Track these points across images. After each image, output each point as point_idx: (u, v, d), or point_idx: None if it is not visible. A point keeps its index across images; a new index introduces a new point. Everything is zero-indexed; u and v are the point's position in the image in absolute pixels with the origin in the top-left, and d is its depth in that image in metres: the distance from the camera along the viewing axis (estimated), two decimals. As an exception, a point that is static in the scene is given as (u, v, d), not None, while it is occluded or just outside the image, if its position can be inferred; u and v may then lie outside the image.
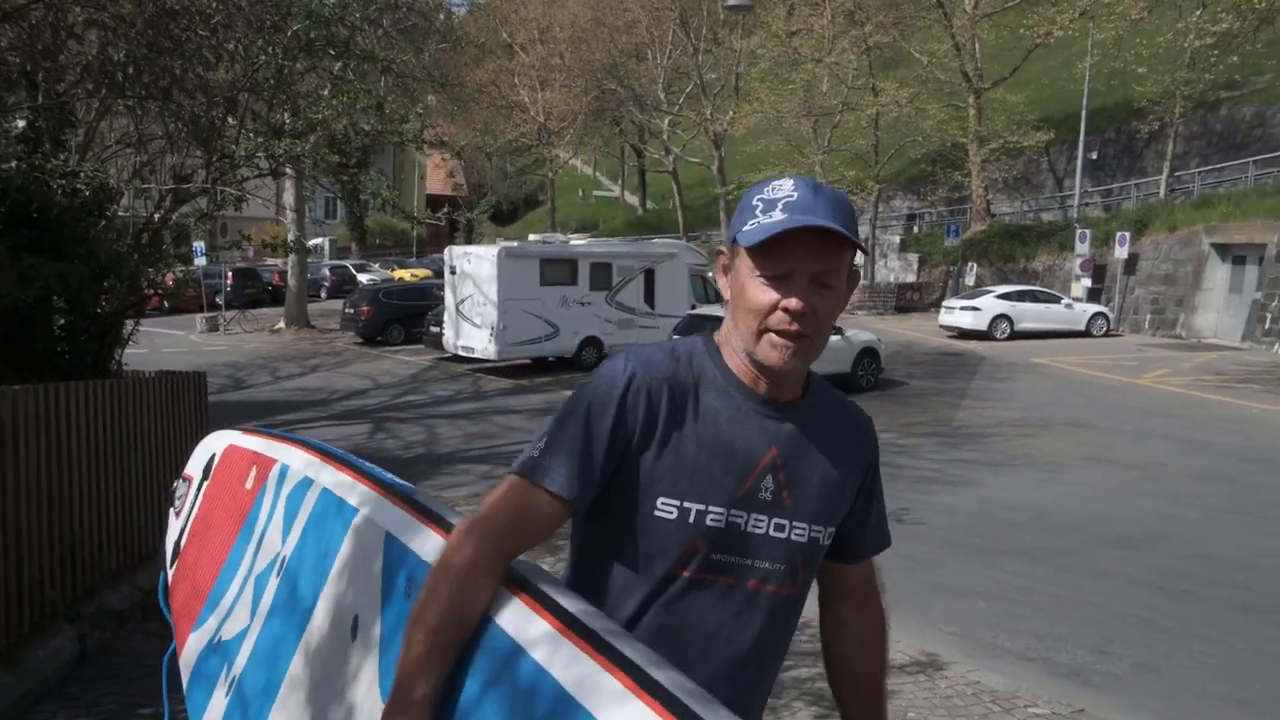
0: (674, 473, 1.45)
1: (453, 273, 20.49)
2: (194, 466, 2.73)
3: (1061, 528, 8.67)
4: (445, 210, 34.55)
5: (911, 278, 34.21)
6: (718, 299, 21.44)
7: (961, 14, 31.27)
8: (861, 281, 33.38)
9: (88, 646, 4.49)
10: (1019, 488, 10.41)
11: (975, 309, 25.22)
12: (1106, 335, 25.58)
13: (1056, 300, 25.93)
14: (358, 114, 7.54)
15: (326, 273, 39.09)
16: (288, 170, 8.30)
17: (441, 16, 21.02)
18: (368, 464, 2.08)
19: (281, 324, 27.32)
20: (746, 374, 1.51)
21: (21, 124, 5.43)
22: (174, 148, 6.55)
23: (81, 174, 5.38)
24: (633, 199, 58.06)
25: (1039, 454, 12.23)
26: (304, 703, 1.78)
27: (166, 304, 20.91)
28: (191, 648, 2.35)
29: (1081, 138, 30.73)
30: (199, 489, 2.69)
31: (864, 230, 35.70)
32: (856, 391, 17.51)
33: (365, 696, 1.59)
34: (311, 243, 33.92)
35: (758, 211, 1.43)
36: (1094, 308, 26.10)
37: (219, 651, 2.21)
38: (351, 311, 25.09)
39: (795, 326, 1.42)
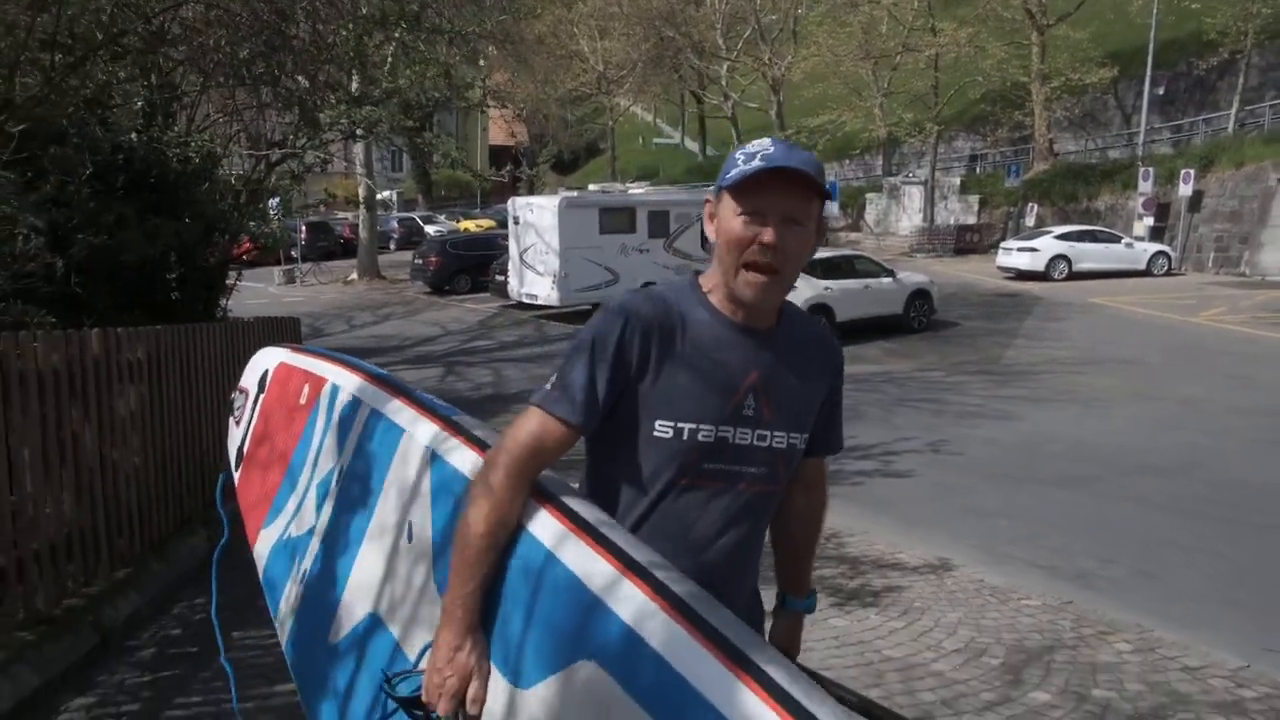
0: (668, 398, 1.69)
1: (516, 223, 21.19)
2: (249, 379, 2.93)
3: (1096, 458, 9.02)
4: (507, 168, 35.18)
5: (972, 219, 33.96)
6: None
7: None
8: (921, 223, 33.48)
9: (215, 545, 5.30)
10: (1060, 422, 10.74)
11: (1033, 250, 25.18)
12: (1168, 274, 25.34)
13: (1117, 240, 25.72)
14: (427, 81, 8.19)
15: (395, 225, 40.01)
16: (370, 135, 9.01)
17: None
18: (407, 384, 2.27)
19: (354, 275, 28.38)
20: (727, 308, 1.73)
21: (140, 102, 6.20)
22: (264, 116, 7.29)
23: (192, 144, 6.15)
24: (693, 145, 57.93)
25: (1084, 390, 12.53)
26: (367, 593, 1.98)
27: (245, 257, 21.96)
28: (263, 543, 2.56)
29: (1148, 73, 30.01)
30: (255, 401, 2.88)
31: (923, 173, 35.45)
32: (909, 332, 17.91)
33: (423, 591, 1.82)
34: (380, 196, 34.94)
35: (740, 162, 1.66)
36: (1155, 246, 25.83)
37: (289, 547, 2.41)
38: (420, 262, 26.02)
39: (768, 258, 1.65)
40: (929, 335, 17.86)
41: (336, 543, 2.16)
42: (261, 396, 2.83)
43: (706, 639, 1.34)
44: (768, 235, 1.63)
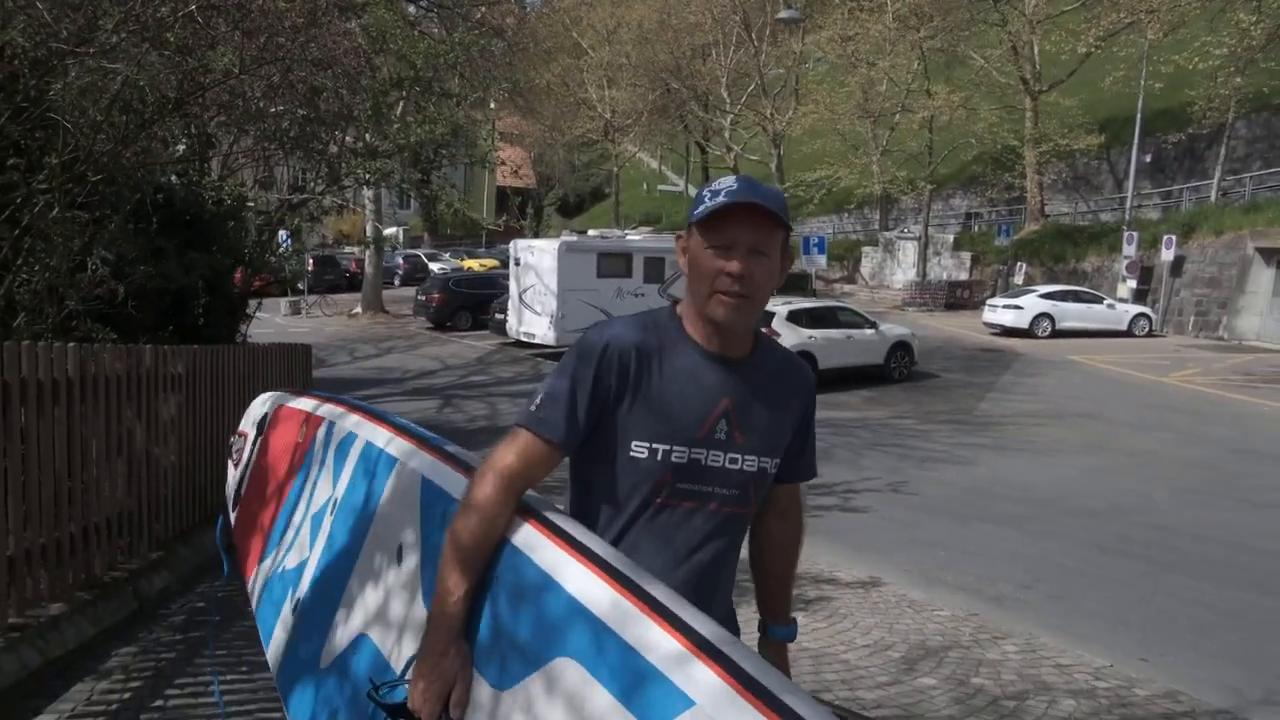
0: (644, 420, 1.77)
1: (517, 264, 22.09)
2: (247, 423, 3.04)
3: (1038, 500, 9.73)
4: (503, 218, 36.29)
5: (964, 276, 34.93)
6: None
7: (1019, 18, 31.91)
8: (912, 278, 34.41)
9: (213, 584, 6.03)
10: (1014, 468, 11.41)
11: (1017, 307, 26.05)
12: (1149, 336, 26.14)
13: (1099, 300, 26.58)
14: (436, 137, 9.13)
15: (400, 261, 41.02)
16: (383, 183, 9.85)
17: (510, 20, 22.42)
18: (399, 418, 2.33)
19: (358, 309, 29.26)
20: (702, 336, 1.82)
21: (180, 148, 7.06)
22: (288, 163, 8.17)
23: (224, 187, 7.00)
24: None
25: (1043, 441, 13.21)
26: (358, 614, 2.04)
27: (261, 291, 22.89)
28: (259, 576, 2.62)
29: (1135, 141, 31.06)
30: (254, 443, 2.96)
31: (916, 229, 36.50)
32: (890, 383, 18.63)
33: (411, 606, 1.85)
34: (387, 233, 36.05)
35: (707, 199, 1.76)
36: (1137, 308, 26.69)
37: (284, 578, 2.46)
38: (423, 298, 26.93)
39: (737, 287, 1.73)
40: (908, 386, 18.60)
41: (329, 570, 2.24)
42: (260, 439, 2.93)
43: (674, 629, 1.37)
44: (735, 266, 1.72)
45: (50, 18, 4.22)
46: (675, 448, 1.77)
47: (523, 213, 51.71)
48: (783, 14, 26.76)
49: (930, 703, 4.35)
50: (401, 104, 9.75)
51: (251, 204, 7.67)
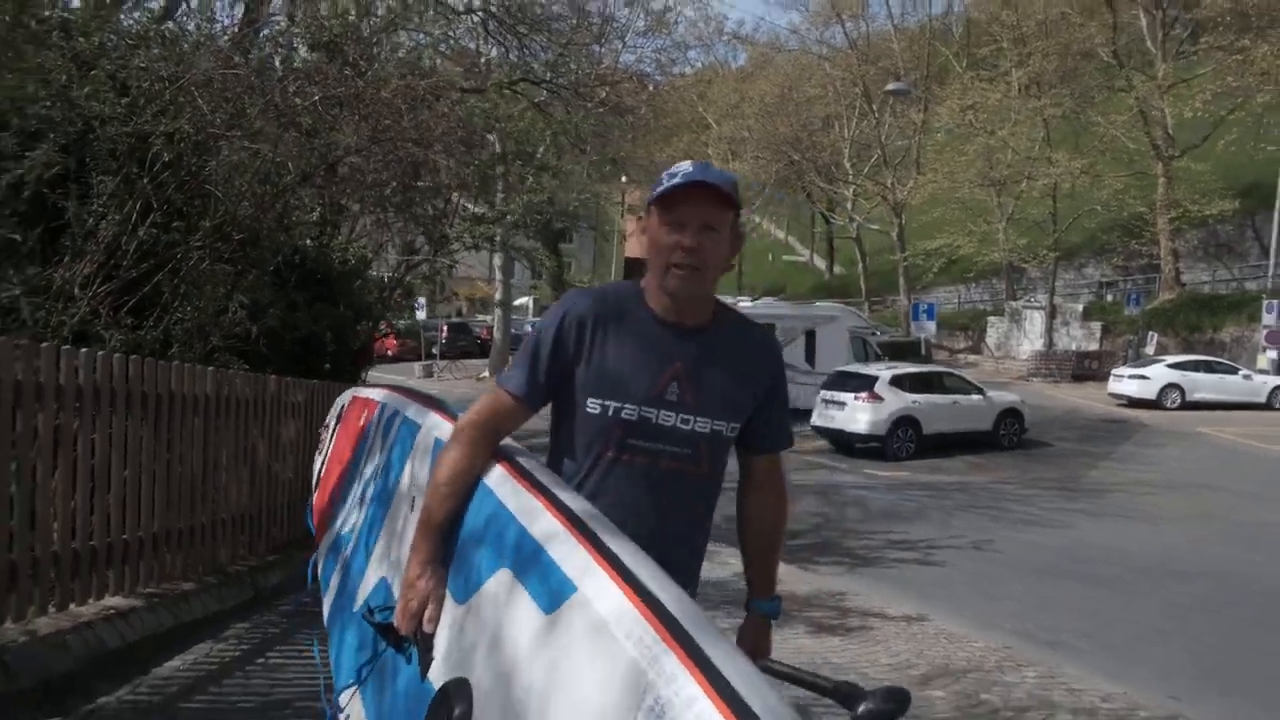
0: (599, 380, 1.94)
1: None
2: (331, 416, 3.37)
3: (1129, 564, 9.52)
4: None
5: (1094, 346, 34.00)
6: (876, 359, 22.88)
7: (1147, 83, 31.44)
8: (1039, 348, 33.69)
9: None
10: (1112, 533, 11.19)
11: (1144, 377, 25.30)
12: (1289, 409, 24.94)
13: (1234, 371, 25.53)
14: (536, 204, 10.13)
15: (528, 329, 42.75)
16: (487, 245, 10.88)
17: (641, 98, 23.67)
18: (440, 398, 2.56)
19: (486, 372, 30.81)
20: (660, 306, 1.97)
21: (315, 216, 8.19)
22: (407, 229, 9.26)
23: (350, 249, 8.07)
24: (822, 263, 59.53)
25: (1151, 509, 12.83)
26: (383, 561, 2.24)
27: (390, 353, 24.42)
28: (324, 544, 2.87)
29: (1278, 206, 29.98)
30: (333, 432, 3.28)
31: (1042, 298, 35.82)
32: (998, 450, 18.41)
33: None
34: (517, 301, 37.94)
35: (664, 181, 1.91)
36: (1276, 380, 25.50)
37: (339, 541, 2.71)
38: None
39: (690, 260, 1.89)
40: (1017, 453, 18.37)
41: (368, 526, 2.46)
42: (336, 426, 3.26)
43: (590, 544, 1.48)
44: (687, 240, 1.89)
45: (208, 108, 5.29)
46: (626, 405, 1.93)
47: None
48: (891, 86, 27.21)
49: (930, 708, 4.71)
50: (505, 176, 10.84)
51: (372, 265, 8.73)
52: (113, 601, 4.34)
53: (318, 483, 3.40)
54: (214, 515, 5.24)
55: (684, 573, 1.97)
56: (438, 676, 1.70)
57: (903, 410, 17.53)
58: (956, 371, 21.62)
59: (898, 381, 17.89)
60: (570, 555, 1.47)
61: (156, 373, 4.56)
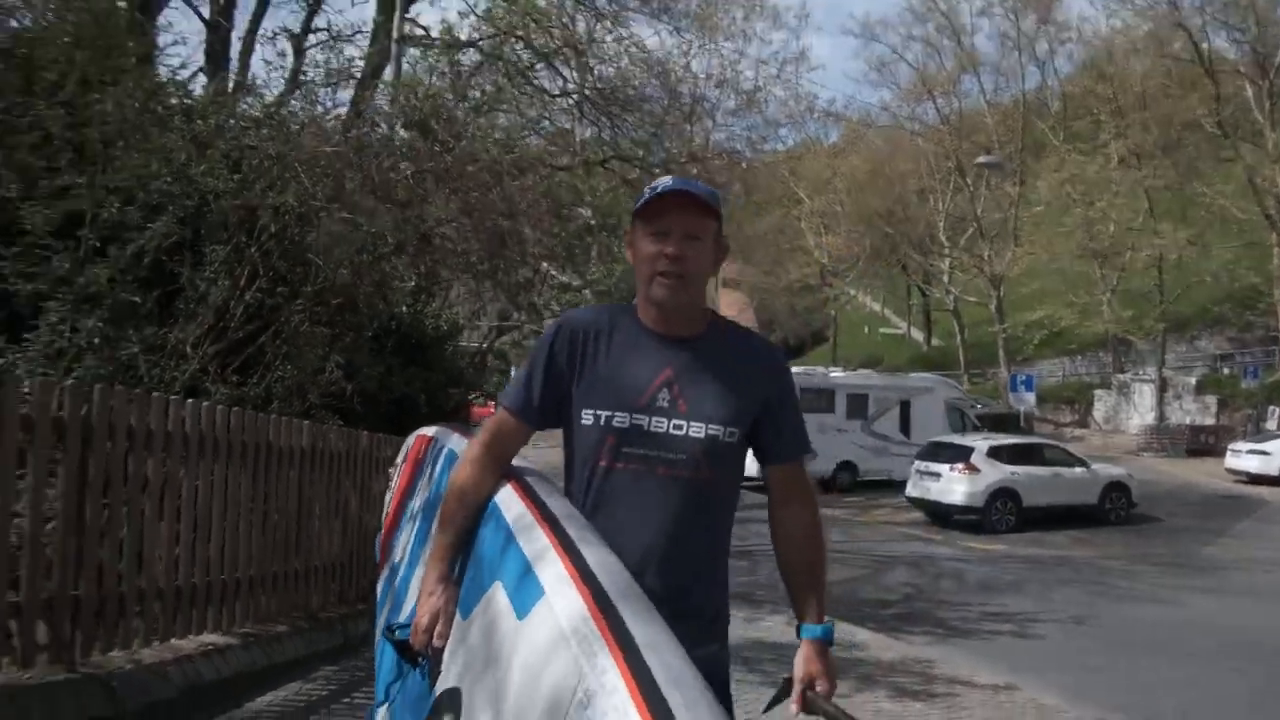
0: (591, 391, 1.99)
1: (721, 400, 23.03)
2: (400, 456, 3.53)
3: (1243, 641, 8.97)
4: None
5: (1209, 420, 32.53)
6: (974, 430, 22.37)
7: (1257, 152, 30.52)
8: (1150, 422, 32.37)
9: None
10: (1226, 610, 10.57)
11: (1264, 453, 24.05)
12: None
13: (1363, 446, 24.09)
14: (617, 273, 10.47)
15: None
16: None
17: (738, 175, 24.09)
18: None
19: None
20: (650, 318, 2.02)
21: (411, 285, 8.64)
22: (497, 297, 9.66)
23: (443, 316, 8.46)
24: (919, 335, 58.69)
25: (1270, 587, 12.15)
26: (416, 584, 2.24)
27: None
28: (383, 570, 3.03)
29: None
30: (398, 469, 3.47)
31: (1150, 371, 34.55)
32: (1104, 524, 17.68)
33: None
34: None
35: (646, 194, 1.98)
36: None
37: (393, 569, 2.85)
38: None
39: (674, 268, 1.93)
40: (1125, 528, 17.60)
41: (413, 550, 2.53)
42: (401, 464, 3.47)
43: (560, 545, 1.62)
44: (670, 248, 1.94)
45: (310, 183, 5.74)
46: (617, 413, 1.95)
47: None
48: (982, 159, 27.05)
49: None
50: (595, 246, 11.23)
51: (464, 332, 9.11)
52: (211, 638, 4.60)
53: (385, 515, 3.59)
54: (307, 562, 5.50)
55: (702, 593, 1.98)
56: (440, 689, 1.76)
57: (1001, 482, 17.05)
58: (1058, 443, 20.94)
59: (995, 453, 17.44)
60: (548, 565, 1.54)
61: (255, 424, 4.88)
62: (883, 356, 56.82)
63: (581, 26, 15.56)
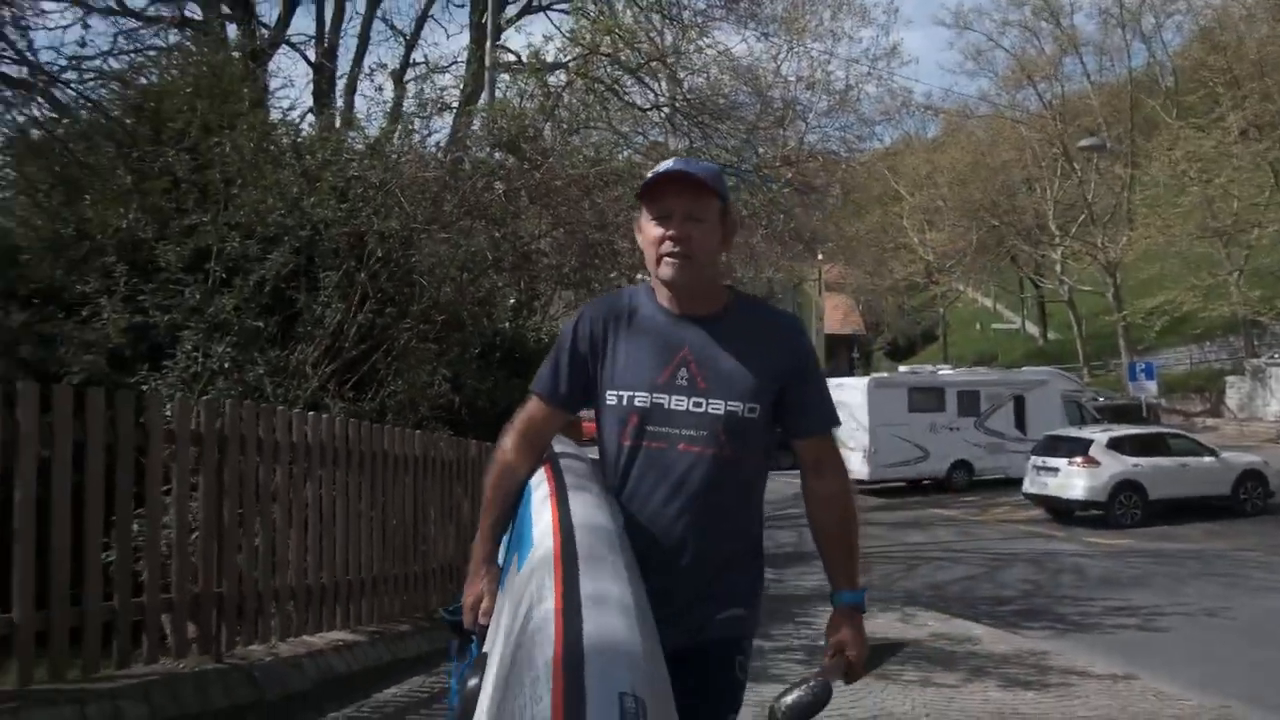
0: (614, 372, 2.06)
1: (830, 402, 22.89)
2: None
3: None
4: (830, 364, 37.10)
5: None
6: (1093, 422, 21.62)
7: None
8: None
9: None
10: None
11: None
12: None
13: None
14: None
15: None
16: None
17: (837, 176, 24.01)
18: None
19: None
20: (665, 300, 2.08)
21: (513, 300, 8.98)
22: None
23: (544, 329, 8.77)
24: (1034, 329, 56.81)
25: None
26: None
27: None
28: None
29: None
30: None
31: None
32: (1238, 515, 16.82)
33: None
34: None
35: (648, 179, 2.03)
36: None
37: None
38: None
39: (677, 248, 1.98)
40: (1262, 519, 16.68)
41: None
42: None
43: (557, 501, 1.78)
44: (673, 229, 1.99)
45: (410, 207, 6.10)
46: (639, 393, 2.02)
47: (851, 362, 52.51)
48: (1085, 141, 26.06)
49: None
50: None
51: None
52: (340, 635, 4.95)
53: None
54: (425, 565, 5.82)
55: (733, 566, 2.06)
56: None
57: (1124, 474, 16.43)
58: (1184, 433, 20.03)
59: (1116, 444, 16.82)
60: (543, 520, 1.71)
61: (371, 434, 5.22)
62: (996, 353, 55.15)
63: (669, 39, 15.80)
